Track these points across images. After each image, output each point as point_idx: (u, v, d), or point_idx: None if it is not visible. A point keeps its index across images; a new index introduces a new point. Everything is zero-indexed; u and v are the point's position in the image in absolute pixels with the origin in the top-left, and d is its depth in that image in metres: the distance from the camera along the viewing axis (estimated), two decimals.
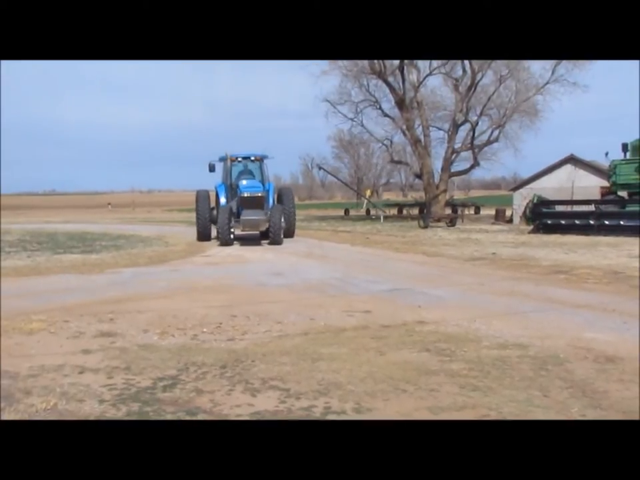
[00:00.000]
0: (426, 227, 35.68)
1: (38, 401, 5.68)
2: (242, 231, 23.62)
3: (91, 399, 5.80)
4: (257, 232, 24.41)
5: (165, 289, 12.68)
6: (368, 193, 73.07)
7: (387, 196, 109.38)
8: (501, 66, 42.84)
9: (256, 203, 23.74)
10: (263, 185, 25.16)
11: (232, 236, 23.25)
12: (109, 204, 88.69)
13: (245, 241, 24.66)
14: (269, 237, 23.58)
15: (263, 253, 20.33)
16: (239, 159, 25.76)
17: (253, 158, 25.87)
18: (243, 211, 23.40)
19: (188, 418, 5.50)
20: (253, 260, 18.69)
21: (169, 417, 5.35)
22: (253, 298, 11.50)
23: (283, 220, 23.51)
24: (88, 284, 13.41)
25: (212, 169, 25.55)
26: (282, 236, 23.26)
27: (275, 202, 25.56)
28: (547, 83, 43.19)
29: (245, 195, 23.91)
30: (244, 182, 24.81)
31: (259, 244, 23.94)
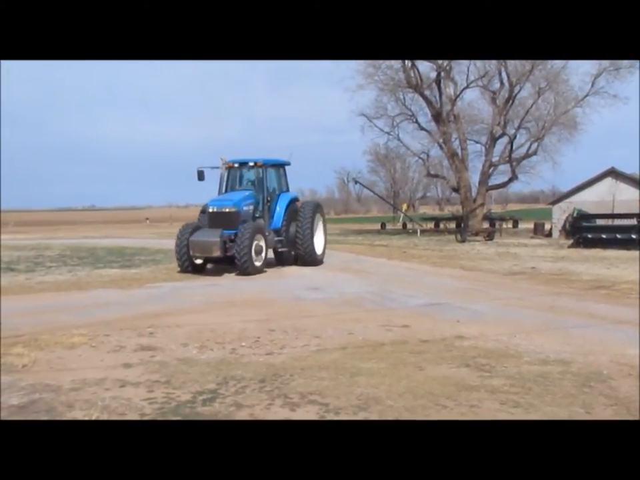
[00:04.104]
0: (463, 240, 35.37)
1: (80, 415, 5.75)
2: (193, 255, 18.77)
3: (132, 412, 5.87)
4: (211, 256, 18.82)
5: (203, 303, 12.77)
6: (404, 206, 72.90)
7: (424, 210, 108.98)
8: (539, 78, 42.40)
9: (223, 220, 19.03)
10: (262, 197, 20.38)
11: (198, 261, 18.99)
12: (147, 219, 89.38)
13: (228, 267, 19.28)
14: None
15: (299, 268, 20.30)
16: (236, 165, 21.07)
17: (252, 164, 20.61)
18: (196, 231, 19.11)
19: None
20: (290, 274, 18.71)
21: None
22: (291, 312, 11.52)
23: (261, 243, 18.73)
24: (127, 298, 13.57)
25: (200, 176, 20.86)
26: (255, 263, 18.31)
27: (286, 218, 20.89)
28: (587, 95, 42.59)
29: (209, 210, 19.54)
30: (220, 195, 20.64)
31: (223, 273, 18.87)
